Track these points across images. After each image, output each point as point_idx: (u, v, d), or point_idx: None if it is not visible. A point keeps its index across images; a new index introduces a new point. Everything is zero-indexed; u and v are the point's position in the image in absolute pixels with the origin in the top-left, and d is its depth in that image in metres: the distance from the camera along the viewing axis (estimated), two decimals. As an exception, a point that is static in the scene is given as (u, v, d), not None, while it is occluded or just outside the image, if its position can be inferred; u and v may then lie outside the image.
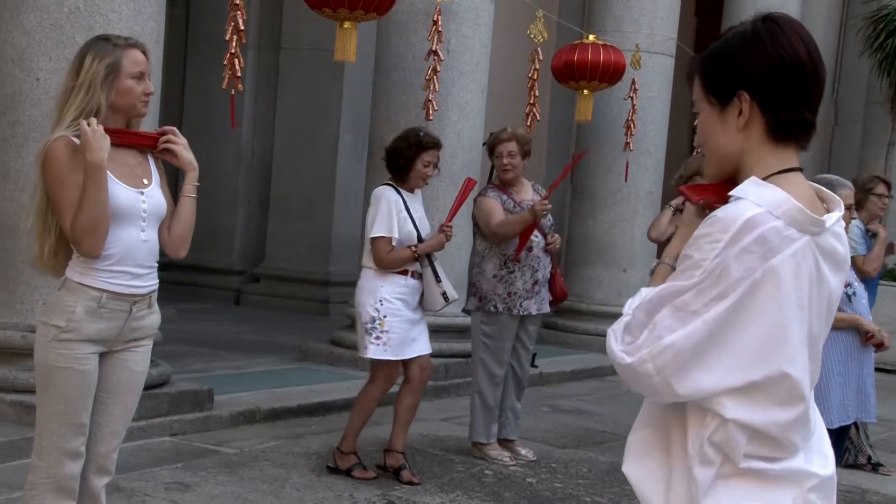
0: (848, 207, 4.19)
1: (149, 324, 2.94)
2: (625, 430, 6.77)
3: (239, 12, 5.39)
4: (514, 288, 5.25)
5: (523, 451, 5.48)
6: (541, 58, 7.84)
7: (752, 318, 1.52)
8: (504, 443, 5.48)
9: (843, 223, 1.66)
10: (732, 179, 1.64)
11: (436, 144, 4.82)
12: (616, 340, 1.60)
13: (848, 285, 4.17)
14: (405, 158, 4.77)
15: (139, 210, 2.84)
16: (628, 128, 8.92)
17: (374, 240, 4.67)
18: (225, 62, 5.40)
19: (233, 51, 5.35)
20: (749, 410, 1.56)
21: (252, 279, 10.71)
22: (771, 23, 1.62)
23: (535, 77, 7.79)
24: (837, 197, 1.66)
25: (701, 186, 1.73)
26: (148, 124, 5.20)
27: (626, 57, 8.48)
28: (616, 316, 1.55)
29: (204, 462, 4.86)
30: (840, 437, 4.21)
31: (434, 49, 6.68)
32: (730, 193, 1.58)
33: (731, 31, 1.67)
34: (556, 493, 4.96)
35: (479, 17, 7.14)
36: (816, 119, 1.64)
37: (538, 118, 7.79)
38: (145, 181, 2.90)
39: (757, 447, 1.58)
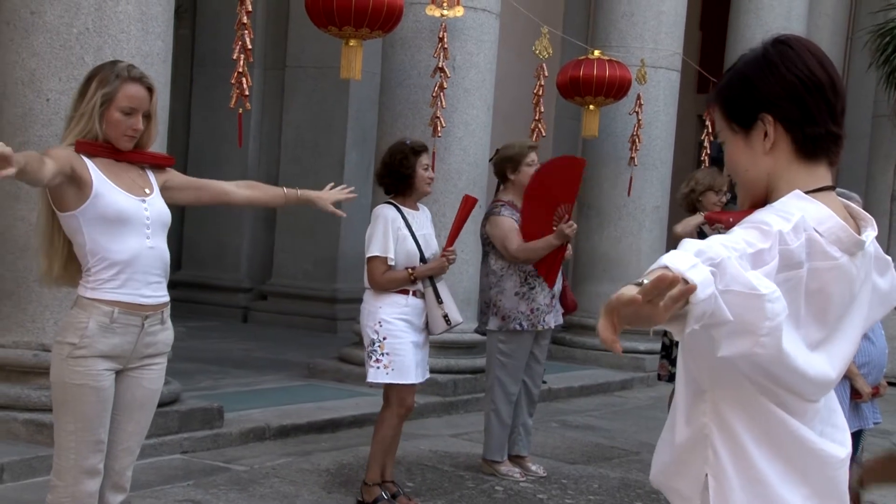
0: None
1: (162, 340, 2.96)
2: (634, 445, 6.82)
3: (246, 31, 5.43)
4: (536, 304, 5.24)
5: (534, 468, 5.48)
6: (546, 74, 7.87)
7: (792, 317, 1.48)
8: (515, 459, 5.47)
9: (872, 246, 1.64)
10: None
11: (425, 147, 4.83)
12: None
13: None
14: (407, 167, 4.70)
15: (142, 217, 2.88)
16: (633, 143, 8.94)
17: (369, 260, 4.56)
18: (233, 81, 5.44)
19: (240, 70, 5.39)
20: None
21: (259, 296, 10.73)
22: (781, 45, 1.62)
23: (540, 93, 7.81)
24: (869, 215, 1.65)
25: (729, 214, 1.72)
26: (155, 143, 5.26)
27: (632, 72, 8.51)
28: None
29: (214, 479, 4.87)
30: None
31: (440, 66, 6.71)
32: (771, 204, 1.56)
33: (742, 58, 1.66)
34: (566, 509, 4.96)
35: (484, 33, 7.18)
36: (843, 132, 1.63)
37: (543, 134, 7.81)
38: (147, 190, 2.95)
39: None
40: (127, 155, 2.92)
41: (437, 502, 4.83)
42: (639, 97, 8.77)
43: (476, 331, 5.81)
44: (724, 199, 5.98)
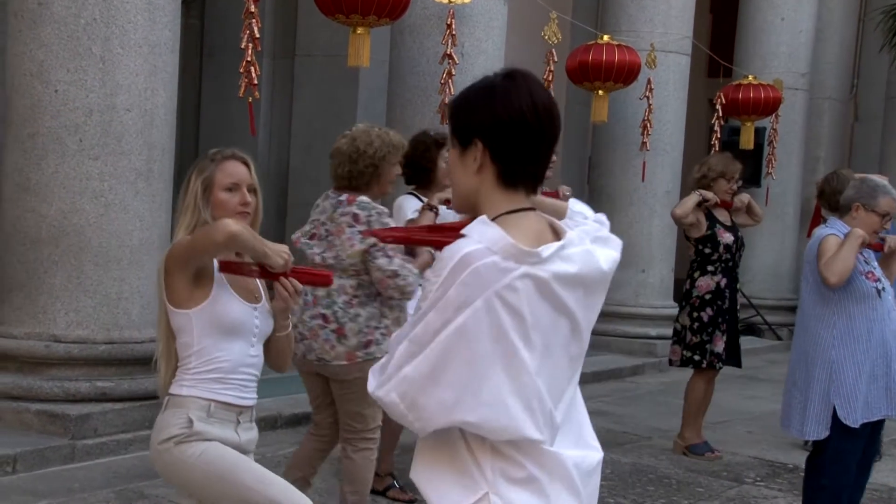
0: (884, 215, 4.13)
1: (250, 438, 2.87)
2: (645, 430, 6.79)
3: (254, 20, 5.41)
4: None
5: None
6: (555, 59, 7.83)
7: (473, 346, 1.65)
8: None
9: (578, 247, 1.77)
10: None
11: (447, 138, 4.74)
12: (373, 376, 1.76)
13: (877, 280, 4.13)
14: (428, 160, 4.64)
15: (252, 326, 2.79)
16: (644, 127, 8.89)
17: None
18: (241, 70, 5.43)
19: (249, 58, 5.38)
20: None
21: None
22: (508, 80, 1.78)
23: (549, 79, 7.77)
24: (567, 229, 1.79)
25: (445, 226, 1.93)
26: (165, 133, 5.27)
27: (641, 56, 8.46)
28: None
29: (226, 468, 4.87)
30: (875, 433, 4.18)
31: (448, 52, 6.68)
32: (461, 231, 1.73)
33: (478, 82, 1.82)
34: (579, 495, 4.95)
35: (493, 19, 7.14)
36: (546, 169, 1.80)
37: (554, 120, 7.77)
38: (256, 296, 2.84)
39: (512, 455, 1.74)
40: (281, 274, 2.75)
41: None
42: (649, 82, 8.72)
43: None
44: (735, 187, 5.93)
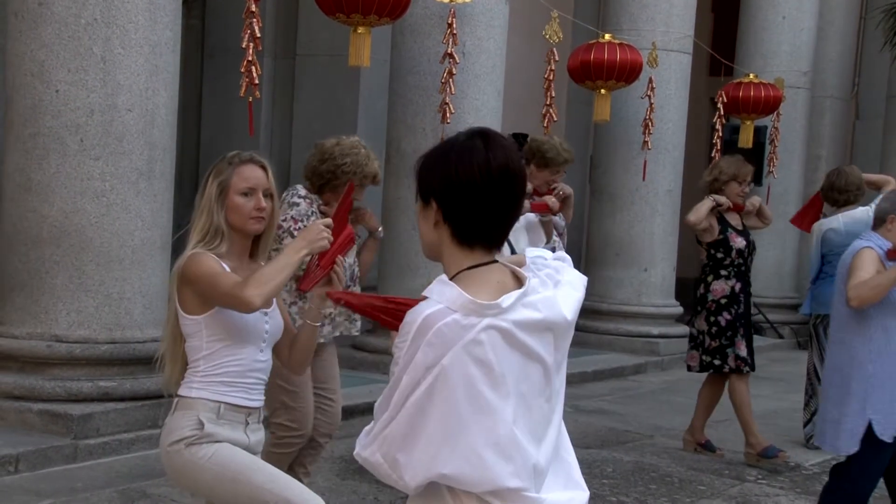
0: None
1: (258, 439, 2.86)
2: (648, 429, 6.77)
3: (255, 20, 5.41)
4: None
5: None
6: (557, 58, 7.82)
7: (445, 403, 1.71)
8: None
9: (541, 293, 1.79)
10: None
11: None
12: (359, 440, 1.82)
13: None
14: None
15: (261, 331, 2.78)
16: (646, 126, 8.89)
17: None
18: (242, 70, 5.43)
19: (250, 58, 5.38)
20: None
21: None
22: (470, 141, 1.79)
23: (551, 78, 7.77)
24: (526, 274, 1.82)
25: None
26: (166, 133, 5.27)
27: (643, 55, 8.45)
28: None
29: (228, 468, 4.88)
30: None
31: (449, 52, 6.68)
32: (423, 293, 1.78)
33: (445, 141, 1.84)
34: (581, 494, 4.95)
35: (494, 18, 7.14)
36: (507, 227, 1.82)
37: (556, 119, 7.77)
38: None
39: None
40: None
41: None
42: (651, 81, 8.72)
43: None
44: (747, 190, 5.85)
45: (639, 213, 9.30)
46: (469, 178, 1.76)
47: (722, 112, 9.65)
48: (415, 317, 1.74)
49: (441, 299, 1.74)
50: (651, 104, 8.81)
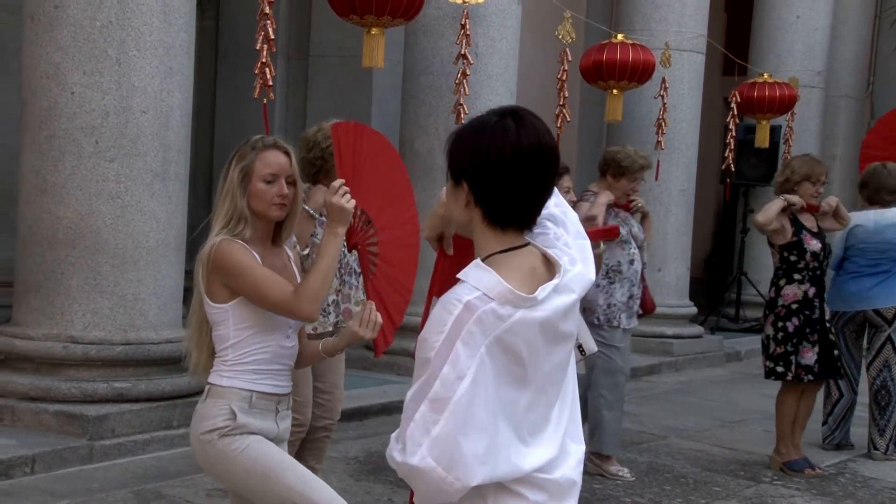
0: None
1: (286, 426, 2.86)
2: (662, 430, 6.73)
3: (269, 21, 5.43)
4: (613, 299, 5.16)
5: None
6: (569, 58, 7.81)
7: (486, 393, 1.67)
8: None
9: (572, 272, 1.76)
10: None
11: (566, 169, 4.88)
12: (394, 449, 1.72)
13: None
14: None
15: (288, 318, 2.75)
16: (659, 126, 8.86)
17: None
18: (256, 71, 5.44)
19: (263, 60, 5.39)
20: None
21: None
22: (501, 120, 1.75)
23: (564, 78, 7.76)
24: (559, 262, 1.77)
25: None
26: (180, 135, 5.29)
27: (656, 55, 8.43)
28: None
29: (243, 468, 4.89)
30: None
31: (463, 52, 6.68)
32: (457, 276, 1.73)
33: (476, 119, 1.81)
34: (596, 494, 4.94)
35: (507, 19, 7.14)
36: (538, 208, 1.78)
37: (569, 119, 7.76)
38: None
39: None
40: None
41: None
42: (664, 81, 8.69)
43: None
44: (821, 190, 5.65)
45: (652, 213, 9.11)
46: (500, 159, 1.72)
47: (736, 112, 9.62)
48: (453, 304, 1.69)
49: (479, 285, 1.69)
50: (664, 104, 8.79)
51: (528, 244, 1.79)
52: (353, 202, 2.70)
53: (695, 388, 8.18)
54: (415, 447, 1.67)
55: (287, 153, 2.78)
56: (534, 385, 1.75)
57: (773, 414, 5.80)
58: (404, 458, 1.68)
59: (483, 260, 1.75)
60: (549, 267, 1.78)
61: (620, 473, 5.22)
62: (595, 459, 5.24)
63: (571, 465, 1.83)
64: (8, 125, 6.34)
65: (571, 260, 1.78)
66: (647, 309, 5.46)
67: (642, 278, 5.37)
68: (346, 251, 3.12)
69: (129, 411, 4.96)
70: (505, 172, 1.72)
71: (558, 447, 1.81)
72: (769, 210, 5.46)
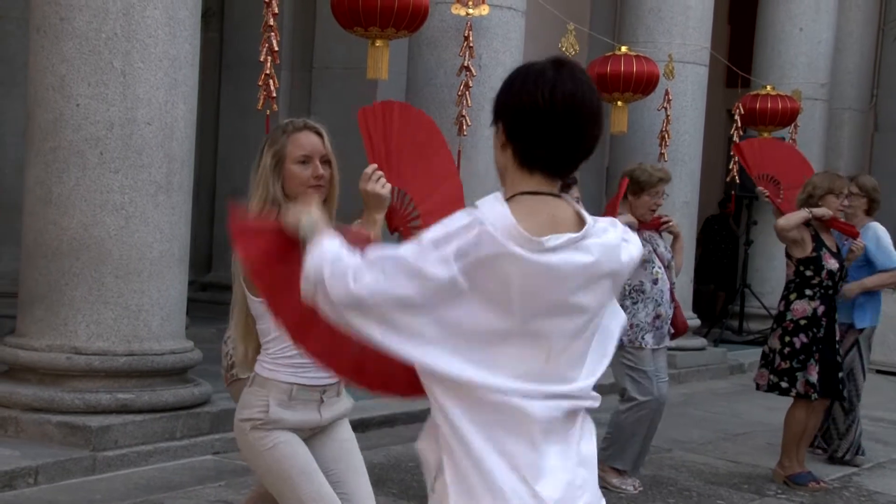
0: None
1: (341, 408, 2.86)
2: (665, 442, 6.70)
3: (273, 33, 5.45)
4: (636, 319, 5.13)
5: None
6: (573, 70, 7.82)
7: (468, 303, 1.70)
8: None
9: (599, 238, 1.78)
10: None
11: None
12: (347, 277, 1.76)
13: None
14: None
15: None
16: (662, 138, 8.88)
17: None
18: (260, 83, 5.47)
19: (267, 71, 5.42)
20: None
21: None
22: (544, 67, 1.80)
23: (567, 90, 7.77)
24: (588, 220, 1.79)
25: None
26: (185, 146, 5.30)
27: (659, 67, 8.45)
28: None
29: (246, 480, 4.88)
30: None
31: (466, 65, 6.70)
32: (476, 203, 1.78)
33: (525, 64, 1.87)
34: (598, 507, 4.92)
35: (510, 31, 7.16)
36: (568, 158, 1.80)
37: (572, 131, 7.77)
38: None
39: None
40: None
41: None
42: (667, 92, 8.71)
43: None
44: (845, 202, 5.67)
45: (656, 225, 9.25)
46: (532, 102, 1.77)
47: (739, 124, 9.62)
48: (462, 215, 1.73)
49: (488, 215, 1.72)
50: (668, 116, 8.80)
51: (557, 195, 1.82)
52: (388, 187, 2.67)
53: (698, 400, 8.17)
54: (365, 286, 1.73)
55: (319, 133, 2.77)
56: (521, 327, 1.73)
57: (776, 426, 5.78)
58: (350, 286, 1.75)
59: (507, 199, 1.78)
60: (580, 224, 1.79)
61: (623, 486, 5.19)
62: (603, 467, 5.20)
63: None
64: (17, 137, 6.37)
65: (604, 230, 1.80)
66: (678, 329, 5.41)
67: (672, 298, 5.31)
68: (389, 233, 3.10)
69: (133, 422, 4.96)
70: (535, 115, 1.77)
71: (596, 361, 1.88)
72: (792, 217, 5.48)
